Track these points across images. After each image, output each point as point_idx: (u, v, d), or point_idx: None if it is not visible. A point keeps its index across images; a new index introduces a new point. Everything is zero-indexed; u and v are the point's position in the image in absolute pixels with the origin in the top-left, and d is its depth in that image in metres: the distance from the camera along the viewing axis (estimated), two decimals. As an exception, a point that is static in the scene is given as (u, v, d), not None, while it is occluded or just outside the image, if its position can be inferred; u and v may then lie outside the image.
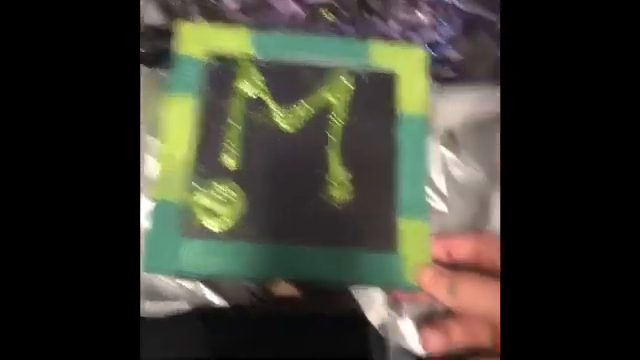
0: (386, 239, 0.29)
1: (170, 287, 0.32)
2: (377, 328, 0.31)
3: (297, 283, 0.29)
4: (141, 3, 0.38)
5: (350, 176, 0.30)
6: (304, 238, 0.29)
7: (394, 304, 0.31)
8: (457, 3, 0.37)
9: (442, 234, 0.31)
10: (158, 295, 0.31)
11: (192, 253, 0.28)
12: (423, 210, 0.30)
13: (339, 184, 0.30)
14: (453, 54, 0.38)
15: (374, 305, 0.31)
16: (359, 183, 0.30)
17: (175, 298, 0.31)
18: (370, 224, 0.29)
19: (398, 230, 0.29)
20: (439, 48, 0.37)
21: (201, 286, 0.32)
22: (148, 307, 0.31)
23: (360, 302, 0.31)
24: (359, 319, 0.31)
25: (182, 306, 0.31)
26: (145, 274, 0.29)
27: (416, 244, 0.29)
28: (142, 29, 0.38)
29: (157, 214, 0.28)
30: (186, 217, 0.28)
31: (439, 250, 0.29)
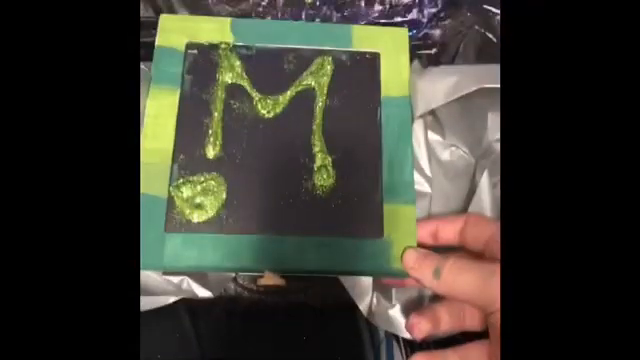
0: (371, 225, 0.28)
1: (156, 282, 0.31)
2: (366, 316, 0.31)
3: (282, 274, 0.28)
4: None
5: (333, 161, 0.29)
6: (287, 227, 0.28)
7: (383, 291, 0.30)
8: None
9: (427, 217, 0.30)
10: (144, 290, 0.31)
11: (174, 248, 0.27)
12: (408, 193, 0.29)
13: (322, 170, 0.29)
14: (436, 33, 0.37)
15: (363, 293, 0.31)
16: (342, 168, 0.29)
17: (161, 293, 0.31)
18: (354, 210, 0.29)
19: (383, 215, 0.28)
20: (422, 27, 0.37)
21: (187, 279, 0.31)
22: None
23: (349, 290, 0.31)
24: (348, 308, 0.31)
25: (168, 300, 0.31)
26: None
27: (402, 228, 0.28)
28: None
29: (141, 208, 0.28)
30: (169, 211, 0.28)
31: (424, 233, 0.28)
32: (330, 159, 0.29)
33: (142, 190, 0.28)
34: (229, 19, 0.32)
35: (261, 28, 0.32)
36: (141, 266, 0.28)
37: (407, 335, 0.28)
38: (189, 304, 0.31)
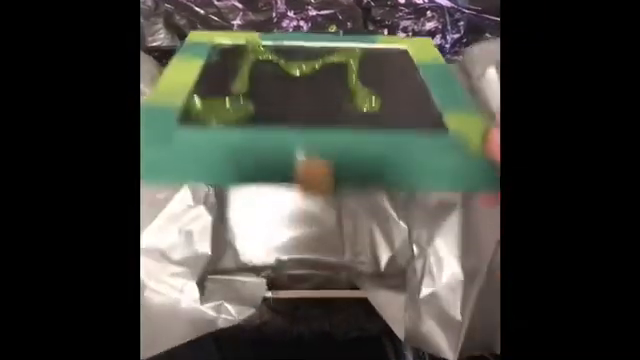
0: (433, 125, 0.23)
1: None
2: (401, 337, 0.30)
3: (332, 165, 0.20)
4: (151, 26, 0.39)
5: (375, 92, 0.25)
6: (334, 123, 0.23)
7: (414, 310, 0.30)
8: (462, 8, 0.38)
9: None
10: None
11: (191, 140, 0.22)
12: (467, 105, 0.25)
13: (365, 96, 0.25)
14: (459, 59, 0.38)
15: (395, 314, 0.30)
16: (386, 97, 0.25)
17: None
18: (410, 122, 0.24)
19: (445, 123, 0.23)
20: (445, 53, 0.38)
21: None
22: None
23: (379, 311, 0.30)
24: (373, 336, 0.30)
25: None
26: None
27: (469, 130, 0.23)
28: (153, 52, 0.38)
29: (151, 114, 0.23)
30: (185, 110, 0.23)
31: None
32: (374, 96, 0.25)
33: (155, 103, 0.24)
34: (257, 33, 0.32)
35: (289, 37, 0.32)
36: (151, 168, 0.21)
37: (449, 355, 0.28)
38: (215, 333, 0.31)
